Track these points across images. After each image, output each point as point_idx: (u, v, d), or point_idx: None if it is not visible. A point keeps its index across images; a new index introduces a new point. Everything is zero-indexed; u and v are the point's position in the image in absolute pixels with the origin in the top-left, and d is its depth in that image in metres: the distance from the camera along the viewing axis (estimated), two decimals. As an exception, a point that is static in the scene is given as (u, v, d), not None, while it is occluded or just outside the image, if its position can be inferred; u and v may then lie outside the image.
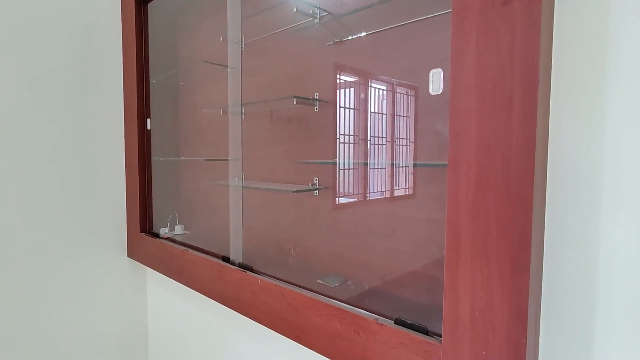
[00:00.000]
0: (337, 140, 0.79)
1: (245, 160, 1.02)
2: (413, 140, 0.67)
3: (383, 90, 0.72)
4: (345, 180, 0.79)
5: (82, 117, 1.24)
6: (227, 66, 1.03)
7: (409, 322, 0.60)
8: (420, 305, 0.65)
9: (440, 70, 0.62)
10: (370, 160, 0.74)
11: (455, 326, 0.52)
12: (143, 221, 1.30)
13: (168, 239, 1.23)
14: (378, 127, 0.74)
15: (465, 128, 0.51)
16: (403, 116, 0.69)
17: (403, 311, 0.66)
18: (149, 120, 1.28)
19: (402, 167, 0.69)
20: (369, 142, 0.75)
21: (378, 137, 0.73)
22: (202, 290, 1.01)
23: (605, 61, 0.47)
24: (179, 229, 1.27)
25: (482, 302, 0.50)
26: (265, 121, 0.95)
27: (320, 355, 0.76)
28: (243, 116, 1.02)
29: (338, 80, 0.79)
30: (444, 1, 0.61)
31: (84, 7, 1.23)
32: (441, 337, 0.54)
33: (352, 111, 0.78)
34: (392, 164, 0.71)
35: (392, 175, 0.71)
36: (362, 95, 0.75)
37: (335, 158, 0.79)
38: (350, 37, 0.75)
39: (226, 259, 0.98)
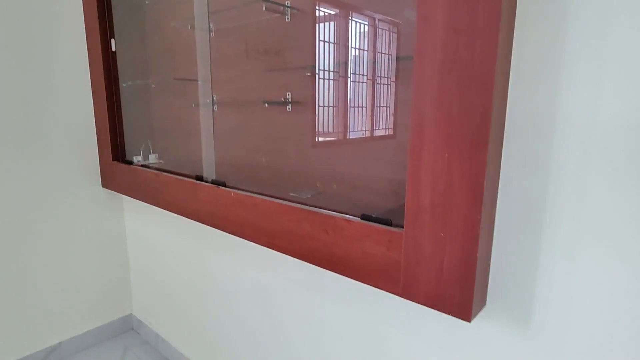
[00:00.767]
0: (314, 47, 0.76)
1: (216, 80, 0.98)
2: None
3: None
4: (321, 93, 0.78)
5: (38, 40, 1.15)
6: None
7: (374, 216, 0.62)
8: (388, 209, 0.68)
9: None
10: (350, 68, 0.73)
11: (416, 212, 0.54)
12: (115, 149, 1.27)
13: (142, 166, 1.21)
14: None
15: (432, 11, 0.49)
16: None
17: (371, 211, 0.68)
18: (113, 40, 1.20)
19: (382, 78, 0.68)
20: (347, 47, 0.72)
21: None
22: (177, 211, 1.01)
23: None
24: (152, 158, 1.24)
25: (442, 186, 0.51)
26: (234, 37, 0.91)
27: (292, 257, 0.79)
28: (212, 33, 0.97)
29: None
30: None
31: None
32: (404, 227, 0.56)
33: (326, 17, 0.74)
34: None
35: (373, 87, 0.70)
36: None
37: (313, 63, 0.77)
38: None
39: (200, 178, 0.98)
